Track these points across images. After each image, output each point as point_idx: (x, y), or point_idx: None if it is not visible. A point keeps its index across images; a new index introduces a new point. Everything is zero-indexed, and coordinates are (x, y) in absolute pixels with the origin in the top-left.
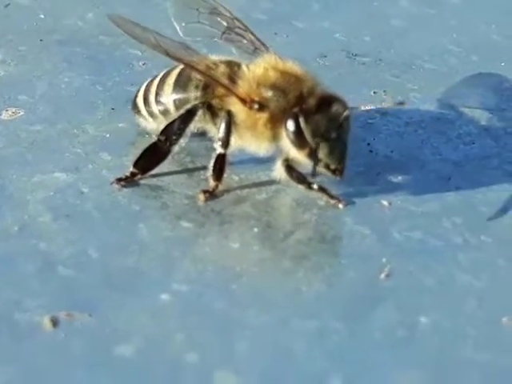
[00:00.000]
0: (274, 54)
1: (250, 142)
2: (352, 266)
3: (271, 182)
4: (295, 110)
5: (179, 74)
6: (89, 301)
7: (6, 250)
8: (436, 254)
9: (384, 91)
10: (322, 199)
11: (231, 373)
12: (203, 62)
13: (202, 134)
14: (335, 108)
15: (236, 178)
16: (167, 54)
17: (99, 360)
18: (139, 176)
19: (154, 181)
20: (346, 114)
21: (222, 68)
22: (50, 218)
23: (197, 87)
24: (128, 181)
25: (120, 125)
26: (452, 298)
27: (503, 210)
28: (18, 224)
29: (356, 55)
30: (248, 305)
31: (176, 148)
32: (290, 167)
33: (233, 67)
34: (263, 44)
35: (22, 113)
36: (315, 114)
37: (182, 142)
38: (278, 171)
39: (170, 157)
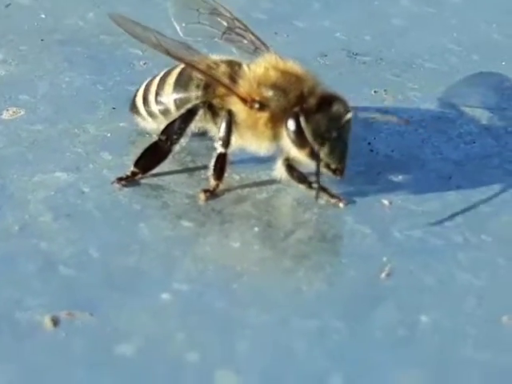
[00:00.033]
0: (275, 54)
1: (250, 141)
2: (352, 265)
3: (272, 182)
4: (296, 109)
5: (180, 74)
6: (89, 300)
7: (7, 249)
8: (436, 253)
9: (384, 90)
10: (323, 198)
11: (232, 372)
12: (204, 62)
13: (202, 134)
14: (336, 107)
15: (237, 178)
16: (168, 53)
17: (100, 359)
18: (140, 175)
19: (155, 180)
20: (346, 113)
21: (223, 67)
22: (50, 218)
23: (198, 87)
24: (129, 180)
25: (121, 124)
26: (452, 297)
27: (503, 209)
28: (18, 223)
29: (356, 54)
30: (249, 304)
31: (177, 147)
32: (290, 167)
33: (233, 67)
34: (264, 44)
35: (22, 112)
36: (316, 114)
37: (183, 141)
38: (279, 170)
39: (170, 156)
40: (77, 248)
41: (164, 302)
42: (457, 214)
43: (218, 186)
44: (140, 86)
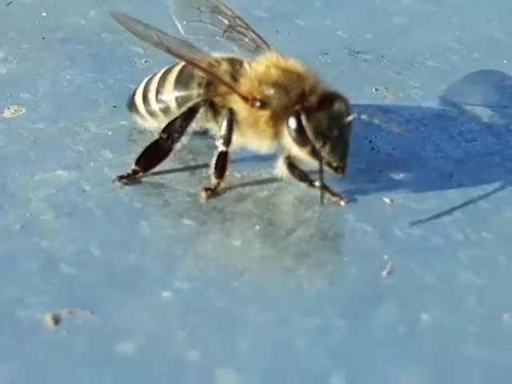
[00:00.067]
0: (276, 52)
1: (251, 139)
2: (354, 263)
3: (273, 180)
4: (297, 107)
5: (180, 71)
6: (91, 298)
7: (9, 247)
8: (437, 251)
9: (386, 88)
10: (324, 196)
11: (233, 370)
12: (205, 60)
13: (203, 132)
14: (337, 106)
15: (238, 176)
16: (169, 51)
17: (101, 357)
18: (141, 174)
19: (156, 178)
20: (347, 111)
21: (225, 66)
22: (52, 216)
23: (199, 84)
24: (130, 178)
25: (122, 122)
26: (453, 295)
27: (504, 207)
28: (20, 222)
29: (358, 52)
30: (250, 302)
31: (178, 146)
32: (291, 165)
33: (235, 65)
34: (265, 42)
35: (24, 111)
36: (317, 112)
37: (184, 139)
38: (280, 169)
39: (171, 154)
40: (78, 246)
41: (165, 301)
42: (458, 211)
43: (219, 184)
44: (139, 85)
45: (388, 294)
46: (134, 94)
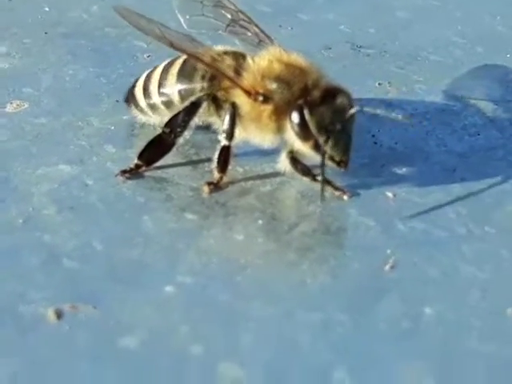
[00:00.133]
0: (279, 47)
1: (254, 134)
2: (356, 257)
3: (276, 174)
4: (300, 102)
5: (183, 64)
6: (93, 293)
7: (11, 242)
8: (440, 245)
9: (389, 83)
10: (327, 191)
11: (236, 365)
12: (208, 54)
13: (206, 127)
14: (340, 100)
15: (240, 170)
16: (172, 45)
17: (103, 352)
18: (144, 168)
19: (159, 173)
20: (350, 105)
21: (228, 60)
22: (54, 211)
23: (203, 78)
24: (132, 173)
25: (124, 117)
26: (456, 290)
27: (507, 201)
28: (22, 216)
29: (361, 47)
30: (253, 297)
31: (181, 140)
32: (294, 159)
33: (238, 59)
34: (268, 36)
35: (26, 105)
36: (320, 106)
37: (187, 134)
38: (283, 163)
39: (174, 149)
40: (80, 241)
41: (168, 295)
42: (461, 205)
43: (221, 178)
44: (138, 78)
45: (391, 288)
46: (133, 87)
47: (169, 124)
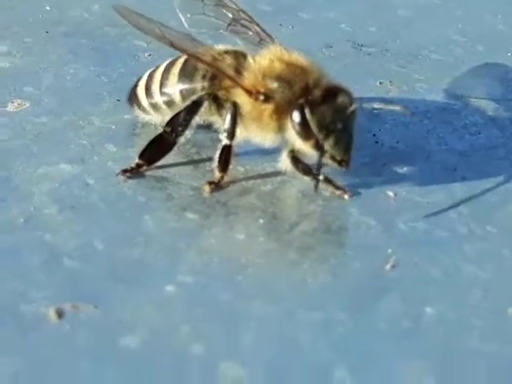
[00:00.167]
0: (280, 46)
1: (255, 133)
2: (357, 256)
3: (277, 173)
4: (301, 101)
5: (184, 64)
6: (94, 292)
7: (12, 241)
8: (441, 245)
9: (390, 81)
10: (328, 190)
11: (237, 364)
12: (209, 53)
13: (207, 126)
14: (341, 99)
15: (241, 170)
16: (172, 45)
17: (104, 351)
18: (145, 167)
19: (160, 172)
20: (351, 104)
21: (228, 59)
22: (55, 210)
23: (204, 77)
24: (133, 172)
25: (125, 116)
26: (457, 289)
27: (509, 200)
28: (23, 216)
29: (362, 46)
30: (253, 296)
31: (182, 139)
32: (295, 158)
33: (239, 58)
34: (269, 35)
35: (27, 105)
36: (321, 105)
37: (188, 133)
38: (284, 162)
39: (175, 148)
40: (81, 240)
41: (168, 294)
42: (462, 205)
43: (222, 177)
44: (140, 78)
45: (392, 288)
46: (135, 86)
47: (170, 123)
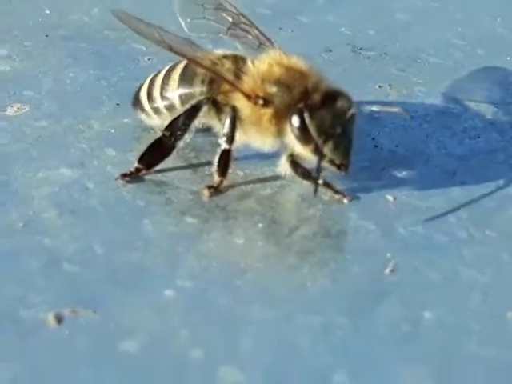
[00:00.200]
0: (279, 50)
1: (254, 137)
2: (357, 261)
3: (276, 178)
4: (300, 105)
5: (184, 69)
6: (93, 297)
7: (11, 245)
8: (440, 249)
9: (389, 85)
10: (327, 194)
11: (236, 368)
12: (208, 58)
13: (206, 130)
14: (340, 103)
15: (241, 174)
16: (171, 49)
17: (103, 356)
18: (144, 171)
19: (159, 176)
20: (350, 109)
21: (227, 64)
22: (54, 214)
23: (202, 82)
24: (133, 176)
25: (125, 120)
26: (456, 293)
27: (508, 205)
28: (22, 220)
29: (361, 49)
30: (253, 300)
31: (181, 143)
32: (294, 163)
33: (238, 62)
34: (268, 39)
35: (27, 108)
36: (320, 110)
37: (187, 137)
38: (283, 167)
39: (174, 152)
40: (81, 244)
41: (168, 299)
42: (461, 209)
43: (221, 182)
44: (143, 82)
45: (391, 292)
46: (138, 91)
47: (169, 127)
